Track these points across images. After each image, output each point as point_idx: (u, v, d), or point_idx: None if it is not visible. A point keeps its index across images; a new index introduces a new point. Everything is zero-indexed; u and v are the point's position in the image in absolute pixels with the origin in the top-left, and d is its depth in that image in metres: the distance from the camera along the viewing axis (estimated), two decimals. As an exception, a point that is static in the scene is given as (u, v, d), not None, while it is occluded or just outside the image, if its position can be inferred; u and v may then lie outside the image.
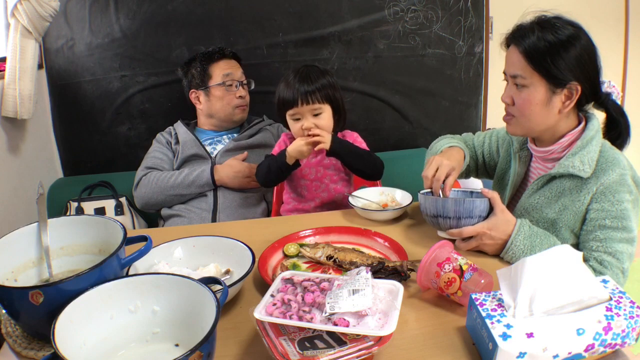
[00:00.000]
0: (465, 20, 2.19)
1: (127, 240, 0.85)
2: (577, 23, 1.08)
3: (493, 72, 2.51)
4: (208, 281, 0.78)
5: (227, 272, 1.00)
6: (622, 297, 0.77)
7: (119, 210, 1.90)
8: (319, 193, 1.55)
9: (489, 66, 2.43)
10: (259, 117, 1.96)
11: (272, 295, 0.80)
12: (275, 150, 1.51)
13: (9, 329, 0.85)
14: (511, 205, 1.29)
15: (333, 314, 0.72)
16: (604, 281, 0.82)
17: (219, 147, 1.83)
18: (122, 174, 2.04)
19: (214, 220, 1.68)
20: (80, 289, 0.73)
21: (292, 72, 1.44)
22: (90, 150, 2.12)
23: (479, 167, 1.44)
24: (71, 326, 0.70)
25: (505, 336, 0.71)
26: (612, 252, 1.06)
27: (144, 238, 0.88)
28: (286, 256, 1.10)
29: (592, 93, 1.10)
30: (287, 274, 0.87)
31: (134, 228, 1.91)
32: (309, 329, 0.74)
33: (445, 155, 1.25)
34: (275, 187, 1.77)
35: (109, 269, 0.78)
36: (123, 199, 1.92)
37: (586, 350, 0.73)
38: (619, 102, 1.16)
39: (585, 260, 1.07)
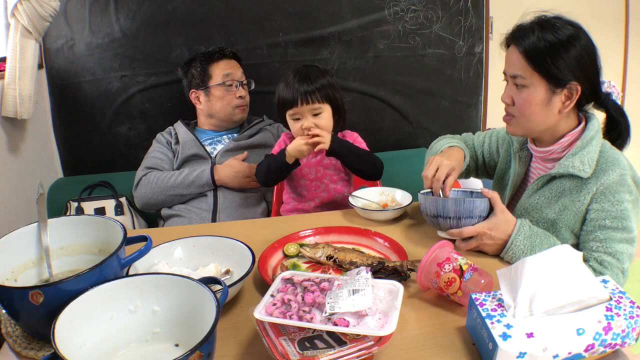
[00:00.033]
0: (465, 20, 2.19)
1: (127, 240, 0.85)
2: (577, 23, 1.08)
3: (493, 72, 2.51)
4: (208, 281, 0.78)
5: (227, 272, 1.00)
6: (622, 297, 0.77)
7: (119, 210, 1.90)
8: (319, 193, 1.55)
9: (489, 66, 2.43)
10: (259, 117, 1.96)
11: (272, 295, 0.80)
12: (275, 150, 1.51)
13: (9, 329, 0.85)
14: (511, 206, 1.29)
15: (333, 314, 0.72)
16: (604, 281, 0.82)
17: (219, 147, 1.83)
18: (122, 174, 2.04)
19: (214, 220, 1.68)
20: (80, 289, 0.73)
21: (291, 72, 1.44)
22: (90, 150, 2.12)
23: (479, 167, 1.44)
24: (71, 326, 0.70)
25: (505, 336, 0.71)
26: (612, 252, 1.06)
27: (144, 238, 0.88)
28: (286, 256, 1.10)
29: (592, 93, 1.10)
30: (287, 274, 0.87)
31: (134, 228, 1.91)
32: (309, 329, 0.74)
33: (445, 155, 1.25)
34: (275, 187, 1.77)
35: (109, 269, 0.78)
36: (123, 199, 1.92)
37: (586, 350, 0.73)
38: (619, 102, 1.16)
39: (585, 260, 1.07)
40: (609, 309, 0.74)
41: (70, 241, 0.92)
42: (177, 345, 0.77)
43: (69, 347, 0.66)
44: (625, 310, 0.74)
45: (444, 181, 1.17)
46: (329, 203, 1.55)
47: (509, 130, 1.19)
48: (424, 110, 2.29)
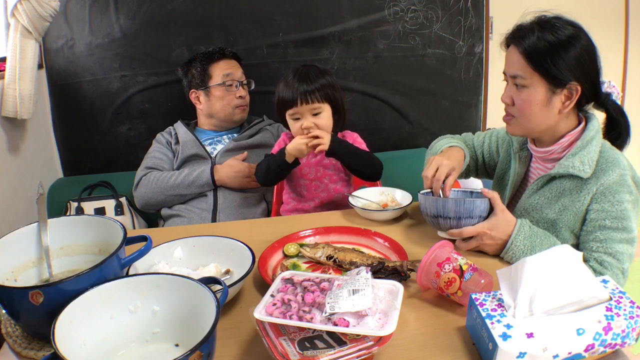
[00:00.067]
0: (465, 20, 2.19)
1: (127, 240, 0.85)
2: (577, 23, 1.08)
3: (493, 72, 2.51)
4: (208, 281, 0.78)
5: (227, 272, 1.00)
6: (622, 297, 0.77)
7: (119, 210, 1.90)
8: (319, 193, 1.55)
9: (489, 66, 2.43)
10: (259, 117, 1.96)
11: (272, 295, 0.80)
12: (275, 150, 1.51)
13: (9, 329, 0.85)
14: (511, 206, 1.29)
15: (333, 314, 0.72)
16: (604, 281, 0.82)
17: (219, 147, 1.83)
18: (122, 174, 2.03)
19: (214, 220, 1.68)
20: (80, 289, 0.73)
21: (291, 72, 1.44)
22: (90, 150, 2.12)
23: (479, 167, 1.44)
24: (71, 326, 0.70)
25: (505, 336, 0.71)
26: (612, 252, 1.06)
27: (144, 238, 0.88)
28: (286, 256, 1.10)
29: (592, 93, 1.10)
30: (287, 274, 0.87)
31: (134, 228, 1.91)
32: (309, 329, 0.74)
33: (445, 155, 1.25)
34: (275, 187, 1.77)
35: (109, 269, 0.78)
36: (123, 199, 1.92)
37: (586, 350, 0.73)
38: (619, 102, 1.16)
39: (586, 260, 1.07)
40: (609, 309, 0.74)
41: (70, 241, 0.92)
42: (177, 345, 0.77)
43: (69, 347, 0.66)
44: (625, 310, 0.74)
45: (444, 181, 1.17)
46: (328, 203, 1.55)
47: (509, 131, 1.19)
48: (424, 110, 2.29)
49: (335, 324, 0.72)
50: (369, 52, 2.16)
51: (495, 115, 2.56)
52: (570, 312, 0.74)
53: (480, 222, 1.09)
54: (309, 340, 0.73)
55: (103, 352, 0.73)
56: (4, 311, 0.86)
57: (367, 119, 2.25)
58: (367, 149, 1.52)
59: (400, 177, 1.82)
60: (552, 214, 1.13)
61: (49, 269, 0.88)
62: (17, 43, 1.63)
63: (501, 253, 1.08)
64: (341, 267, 1.04)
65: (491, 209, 1.10)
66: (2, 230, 0.89)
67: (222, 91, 1.78)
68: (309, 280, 0.83)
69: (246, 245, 1.00)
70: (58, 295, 0.72)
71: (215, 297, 0.72)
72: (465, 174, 1.43)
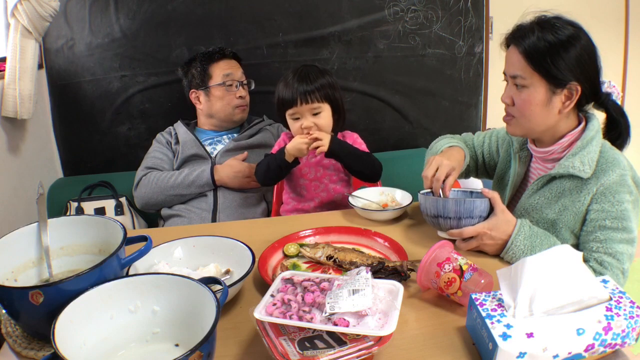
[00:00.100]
0: (465, 20, 2.19)
1: (127, 240, 0.85)
2: (577, 23, 1.08)
3: (493, 72, 2.51)
4: (208, 281, 0.78)
5: (227, 272, 1.00)
6: (622, 297, 0.77)
7: (119, 210, 1.90)
8: (319, 193, 1.55)
9: (489, 66, 2.43)
10: (259, 117, 1.96)
11: (272, 295, 0.80)
12: (275, 150, 1.51)
13: (9, 329, 0.85)
14: (511, 206, 1.29)
15: (333, 314, 0.72)
16: (604, 281, 0.82)
17: (219, 147, 1.83)
18: (122, 174, 2.03)
19: (214, 220, 1.68)
20: (80, 289, 0.73)
21: (291, 72, 1.45)
22: (90, 150, 2.12)
23: (479, 167, 1.44)
24: (71, 326, 0.70)
25: (505, 336, 0.71)
26: (612, 252, 1.06)
27: (144, 238, 0.88)
28: (286, 256, 1.10)
29: (592, 93, 1.10)
30: (287, 274, 0.87)
31: (134, 228, 1.91)
32: (309, 329, 0.74)
33: (445, 155, 1.25)
34: (275, 187, 1.77)
35: (109, 269, 0.78)
36: (123, 199, 1.92)
37: (586, 350, 0.73)
38: (619, 102, 1.16)
39: (586, 261, 1.07)
40: (609, 309, 0.74)
41: (70, 241, 0.92)
42: (177, 345, 0.77)
43: (69, 347, 0.66)
44: (625, 310, 0.74)
45: (444, 181, 1.17)
46: (328, 203, 1.55)
47: (509, 131, 1.19)
48: (424, 110, 2.29)
49: (335, 324, 0.72)
50: (369, 52, 2.16)
51: (495, 115, 2.56)
52: (570, 312, 0.74)
53: (480, 222, 1.09)
54: (309, 340, 0.73)
55: (103, 352, 0.73)
56: (4, 311, 0.86)
57: (367, 119, 2.25)
58: (367, 150, 1.52)
59: (400, 177, 1.82)
60: (552, 214, 1.13)
61: (49, 269, 0.88)
62: (17, 43, 1.63)
63: (501, 253, 1.08)
64: (341, 267, 1.04)
65: (491, 209, 1.10)
66: (2, 230, 0.89)
67: (222, 91, 1.78)
68: (309, 280, 0.83)
69: (246, 245, 1.00)
70: (58, 295, 0.72)
71: (215, 297, 0.72)
72: (465, 174, 1.43)
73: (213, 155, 1.79)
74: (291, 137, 1.49)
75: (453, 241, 1.08)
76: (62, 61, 2.01)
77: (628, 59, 3.05)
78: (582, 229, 1.11)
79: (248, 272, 0.91)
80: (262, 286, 0.97)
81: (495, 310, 0.76)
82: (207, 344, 0.63)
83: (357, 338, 0.72)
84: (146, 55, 2.03)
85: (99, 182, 1.96)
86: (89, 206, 1.89)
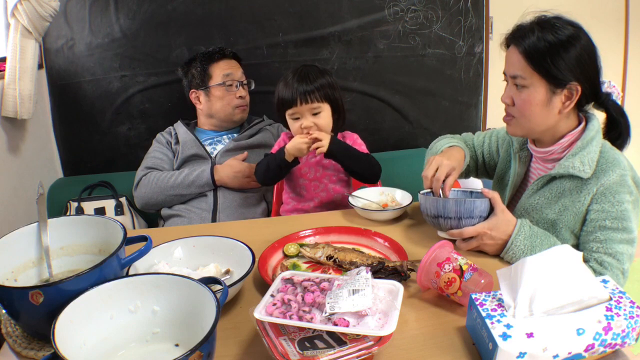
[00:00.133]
0: (465, 20, 2.19)
1: (127, 240, 0.85)
2: (577, 23, 1.08)
3: (493, 72, 2.51)
4: (208, 281, 0.78)
5: (227, 272, 1.00)
6: (622, 297, 0.77)
7: (119, 210, 1.90)
8: (318, 193, 1.55)
9: (489, 66, 2.43)
10: (259, 117, 1.96)
11: (272, 295, 0.80)
12: (275, 150, 1.51)
13: (9, 329, 0.85)
14: (511, 206, 1.29)
15: (333, 314, 0.72)
16: (604, 281, 0.82)
17: (219, 147, 1.83)
18: (122, 174, 2.03)
19: (214, 220, 1.68)
20: (80, 289, 0.73)
21: (291, 72, 1.45)
22: (90, 150, 2.12)
23: (479, 167, 1.44)
24: (71, 326, 0.70)
25: (505, 336, 0.71)
26: (612, 253, 1.06)
27: (144, 238, 0.88)
28: (286, 256, 1.10)
29: (592, 93, 1.10)
30: (287, 274, 0.87)
31: (134, 228, 1.91)
32: (309, 329, 0.74)
33: (446, 155, 1.25)
34: (275, 187, 1.77)
35: (109, 269, 0.78)
36: (123, 199, 1.92)
37: (586, 350, 0.73)
38: (619, 102, 1.16)
39: (586, 261, 1.07)
40: (609, 309, 0.74)
41: (70, 241, 0.92)
42: (177, 345, 0.77)
43: (69, 347, 0.66)
44: (625, 310, 0.74)
45: (444, 181, 1.17)
46: (328, 203, 1.55)
47: (509, 131, 1.19)
48: (424, 110, 2.29)
49: (335, 324, 0.72)
50: (369, 52, 2.16)
51: (495, 115, 2.56)
52: (570, 312, 0.74)
53: (480, 222, 1.09)
54: (309, 340, 0.73)
55: (103, 352, 0.73)
56: (4, 311, 0.86)
57: (367, 119, 2.25)
58: (367, 150, 1.52)
59: (400, 177, 1.82)
60: (552, 214, 1.13)
61: (49, 269, 0.88)
62: (17, 43, 1.63)
63: (501, 253, 1.08)
64: (341, 267, 1.04)
65: (491, 209, 1.10)
66: (2, 230, 0.89)
67: (222, 91, 1.78)
68: (309, 280, 0.83)
69: (246, 245, 1.00)
70: (58, 295, 0.72)
71: (215, 297, 0.72)
72: (465, 174, 1.43)
73: (213, 155, 1.79)
74: (291, 137, 1.49)
75: (453, 241, 1.08)
76: (62, 61, 2.01)
77: (628, 59, 3.05)
78: (582, 229, 1.11)
79: (248, 272, 0.91)
80: (262, 286, 0.97)
81: (495, 310, 0.76)
82: (207, 344, 0.63)
83: (357, 338, 0.72)
84: (146, 55, 2.03)
85: (99, 182, 1.96)
86: (89, 206, 1.89)
